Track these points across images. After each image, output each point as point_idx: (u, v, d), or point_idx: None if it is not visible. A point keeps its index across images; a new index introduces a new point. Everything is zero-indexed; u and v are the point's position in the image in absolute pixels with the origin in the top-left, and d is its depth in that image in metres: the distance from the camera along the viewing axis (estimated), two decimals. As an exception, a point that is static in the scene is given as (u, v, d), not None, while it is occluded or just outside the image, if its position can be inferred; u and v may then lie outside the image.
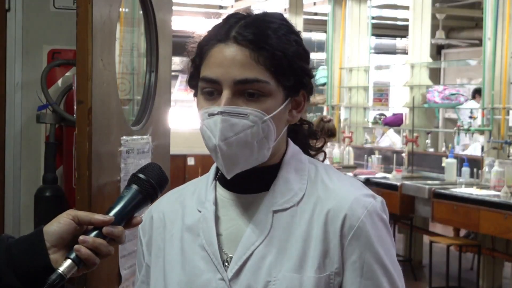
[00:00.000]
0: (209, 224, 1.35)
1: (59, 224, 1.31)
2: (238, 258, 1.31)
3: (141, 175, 1.35)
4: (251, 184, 1.35)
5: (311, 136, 1.48)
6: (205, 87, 1.30)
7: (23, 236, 1.35)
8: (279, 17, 1.35)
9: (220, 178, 1.39)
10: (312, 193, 1.33)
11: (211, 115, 1.28)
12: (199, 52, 1.33)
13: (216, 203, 1.37)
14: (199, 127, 1.31)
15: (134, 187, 1.34)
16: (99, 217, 1.31)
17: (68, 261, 1.27)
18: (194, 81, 1.35)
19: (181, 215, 1.40)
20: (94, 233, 1.30)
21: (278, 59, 1.28)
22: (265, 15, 1.34)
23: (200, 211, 1.37)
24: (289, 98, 1.33)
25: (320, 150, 1.49)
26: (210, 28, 1.35)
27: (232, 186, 1.36)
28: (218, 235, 1.34)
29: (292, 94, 1.33)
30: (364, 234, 1.28)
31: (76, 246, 1.28)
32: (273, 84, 1.29)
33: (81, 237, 1.29)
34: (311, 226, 1.30)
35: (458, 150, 8.37)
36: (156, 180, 1.36)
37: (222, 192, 1.38)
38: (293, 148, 1.39)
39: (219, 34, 1.30)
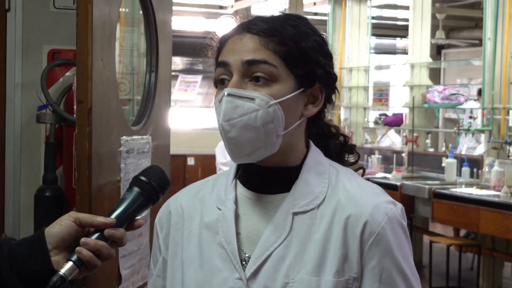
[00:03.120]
0: (228, 222, 1.34)
1: (61, 226, 1.31)
2: (257, 258, 1.30)
3: (142, 178, 1.35)
4: (271, 184, 1.35)
5: (346, 150, 1.47)
6: (219, 74, 1.33)
7: (25, 238, 1.35)
8: (302, 19, 1.37)
9: (240, 176, 1.39)
10: (333, 197, 1.33)
11: (220, 100, 1.30)
12: (219, 47, 1.37)
13: (236, 202, 1.37)
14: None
15: (136, 189, 1.34)
16: (100, 219, 1.31)
17: (70, 263, 1.27)
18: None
19: (200, 211, 1.40)
20: (96, 235, 1.30)
21: (288, 46, 1.30)
22: (288, 15, 1.37)
23: (220, 209, 1.37)
24: (303, 89, 1.33)
25: (356, 165, 1.47)
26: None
27: (253, 185, 1.36)
28: (237, 233, 1.34)
29: (306, 85, 1.33)
30: (384, 240, 1.28)
31: (77, 248, 1.28)
32: (282, 70, 1.30)
33: (83, 239, 1.29)
34: (330, 230, 1.30)
35: (459, 150, 8.36)
36: (158, 183, 1.36)
37: (242, 191, 1.38)
38: (314, 150, 1.39)
39: (237, 28, 1.35)
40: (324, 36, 1.38)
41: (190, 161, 10.58)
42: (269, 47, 1.29)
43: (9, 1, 2.55)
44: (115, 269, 2.24)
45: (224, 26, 1.39)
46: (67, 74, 2.59)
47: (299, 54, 1.31)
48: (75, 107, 2.12)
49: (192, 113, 11.40)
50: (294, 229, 1.31)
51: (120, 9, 2.44)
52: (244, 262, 1.32)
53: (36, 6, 2.59)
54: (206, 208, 1.40)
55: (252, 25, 1.32)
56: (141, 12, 2.66)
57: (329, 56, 1.37)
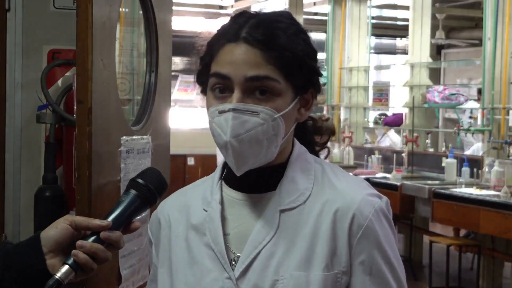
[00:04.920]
0: (215, 223, 1.35)
1: (56, 229, 1.30)
2: (245, 257, 1.31)
3: (139, 180, 1.34)
4: (257, 183, 1.36)
5: (315, 133, 1.49)
6: (216, 83, 1.31)
7: (21, 241, 1.35)
8: (287, 16, 1.36)
9: (226, 177, 1.40)
10: (319, 193, 1.34)
11: (221, 112, 1.28)
12: (209, 51, 1.34)
13: (222, 203, 1.37)
14: (209, 124, 1.32)
15: (133, 192, 1.34)
16: (96, 222, 1.30)
17: (66, 267, 1.27)
18: (203, 77, 1.36)
19: (186, 214, 1.41)
20: (92, 238, 1.30)
21: (288, 59, 1.29)
22: (273, 14, 1.35)
23: (206, 211, 1.38)
24: (298, 97, 1.33)
25: (324, 146, 1.51)
26: (218, 27, 1.36)
27: (239, 185, 1.37)
28: (225, 234, 1.34)
29: (301, 93, 1.34)
30: (372, 233, 1.30)
31: (73, 251, 1.27)
32: (283, 84, 1.30)
33: (79, 242, 1.28)
34: (318, 225, 1.30)
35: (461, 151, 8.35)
36: (155, 185, 1.35)
37: (228, 191, 1.39)
38: (299, 147, 1.40)
39: (229, 34, 1.31)
40: (306, 29, 1.37)
41: (190, 161, 10.58)
42: (270, 62, 1.28)
43: (9, 1, 2.55)
44: (115, 269, 2.24)
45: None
46: (67, 74, 2.59)
47: (297, 65, 1.31)
48: (75, 107, 2.12)
49: (192, 113, 11.40)
50: (281, 226, 1.32)
51: (120, 9, 2.44)
52: (233, 262, 1.32)
53: (36, 6, 2.59)
54: (192, 210, 1.40)
55: (248, 35, 1.29)
56: (141, 12, 2.66)
57: (316, 55, 1.37)
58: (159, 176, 1.37)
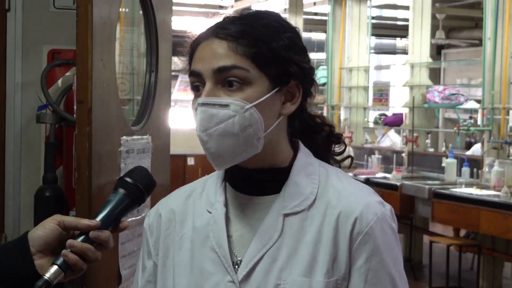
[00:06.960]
0: (219, 226, 1.33)
1: (44, 229, 1.29)
2: (249, 261, 1.29)
3: (128, 179, 1.33)
4: (261, 186, 1.34)
5: (333, 140, 1.46)
6: (193, 82, 1.32)
7: (9, 241, 1.34)
8: (275, 16, 1.34)
9: (229, 178, 1.38)
10: (323, 198, 1.32)
11: (195, 109, 1.29)
12: (190, 52, 1.35)
13: (226, 205, 1.36)
14: None
15: (121, 191, 1.33)
16: (85, 221, 1.29)
17: (55, 267, 1.25)
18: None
19: (192, 216, 1.39)
20: (81, 238, 1.28)
21: (258, 47, 1.28)
22: (257, 12, 1.34)
23: (210, 212, 1.36)
24: (278, 88, 1.30)
25: (343, 154, 1.47)
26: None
27: (242, 187, 1.35)
28: (228, 236, 1.33)
29: (281, 84, 1.31)
30: (371, 240, 1.28)
31: (63, 251, 1.26)
32: (254, 73, 1.27)
33: (69, 242, 1.27)
34: (321, 230, 1.29)
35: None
36: (143, 184, 1.34)
37: (232, 193, 1.37)
38: (303, 151, 1.38)
39: (206, 33, 1.32)
40: (297, 30, 1.35)
41: (190, 161, 10.58)
42: (238, 51, 1.27)
43: (9, 1, 2.55)
44: (115, 269, 2.24)
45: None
46: (67, 74, 2.59)
47: (270, 54, 1.28)
48: (75, 107, 2.12)
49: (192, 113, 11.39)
50: (285, 230, 1.30)
51: (120, 9, 2.44)
52: (236, 266, 1.31)
53: (36, 6, 2.59)
54: (196, 212, 1.38)
55: (220, 29, 1.30)
56: (141, 12, 2.66)
57: (302, 51, 1.34)
58: (147, 175, 1.36)
